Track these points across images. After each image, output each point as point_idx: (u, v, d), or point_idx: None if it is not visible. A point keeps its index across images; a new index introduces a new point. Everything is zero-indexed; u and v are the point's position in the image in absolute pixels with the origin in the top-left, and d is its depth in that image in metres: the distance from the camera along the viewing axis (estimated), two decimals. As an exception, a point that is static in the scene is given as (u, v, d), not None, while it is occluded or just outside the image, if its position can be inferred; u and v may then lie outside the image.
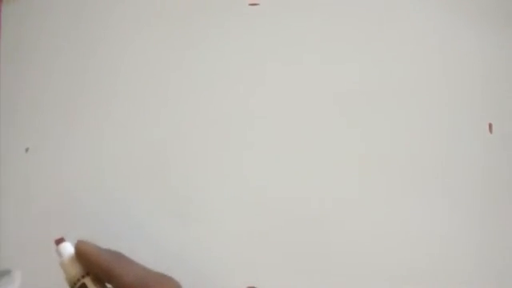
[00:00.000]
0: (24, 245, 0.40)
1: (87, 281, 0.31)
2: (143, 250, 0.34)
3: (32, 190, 0.41)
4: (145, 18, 0.42)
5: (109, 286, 0.31)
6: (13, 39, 0.44)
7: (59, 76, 0.42)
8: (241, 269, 0.37)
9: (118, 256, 0.31)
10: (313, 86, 0.40)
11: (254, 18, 0.41)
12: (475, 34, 0.40)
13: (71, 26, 0.43)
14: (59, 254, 0.32)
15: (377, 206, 0.38)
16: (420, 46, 0.40)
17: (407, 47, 0.40)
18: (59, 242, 0.32)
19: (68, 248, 0.32)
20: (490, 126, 0.38)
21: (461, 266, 0.37)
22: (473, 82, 0.39)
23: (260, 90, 0.40)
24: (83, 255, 0.31)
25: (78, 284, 0.31)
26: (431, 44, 0.40)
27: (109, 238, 0.33)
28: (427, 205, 0.38)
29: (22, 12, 0.45)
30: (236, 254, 0.38)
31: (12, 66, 0.44)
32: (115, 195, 0.40)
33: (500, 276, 0.36)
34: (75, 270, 0.31)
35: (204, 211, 0.38)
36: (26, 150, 0.42)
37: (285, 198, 0.38)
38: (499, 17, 0.40)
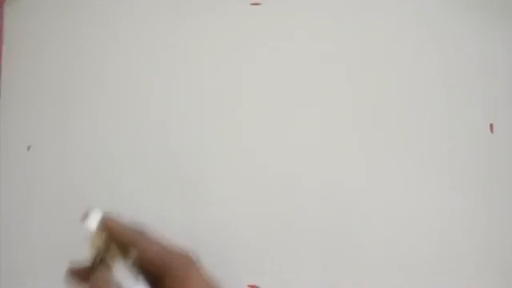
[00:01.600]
0: (25, 243, 0.40)
1: (110, 251, 0.31)
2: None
3: (34, 188, 0.41)
4: (145, 18, 0.42)
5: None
6: (15, 38, 0.44)
7: (60, 74, 0.42)
8: (243, 266, 0.37)
9: (142, 231, 0.32)
10: (313, 86, 0.40)
11: (255, 18, 0.41)
12: (476, 34, 0.40)
13: (72, 25, 0.44)
14: (85, 225, 0.32)
15: (374, 208, 0.38)
16: (420, 47, 0.40)
17: (407, 48, 0.40)
18: (86, 215, 0.32)
19: (94, 219, 0.33)
20: (491, 126, 0.38)
21: (461, 262, 0.37)
22: (474, 83, 0.39)
23: (259, 88, 0.41)
24: (108, 227, 0.32)
25: (101, 255, 0.31)
26: (432, 44, 0.40)
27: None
28: (429, 203, 0.38)
29: (24, 12, 0.45)
30: (239, 250, 0.38)
31: (14, 64, 0.44)
32: (118, 190, 0.40)
33: (498, 269, 0.37)
34: (99, 241, 0.32)
35: (208, 198, 0.38)
36: (28, 148, 0.42)
37: (287, 185, 0.39)
38: (500, 17, 0.40)
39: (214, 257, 0.36)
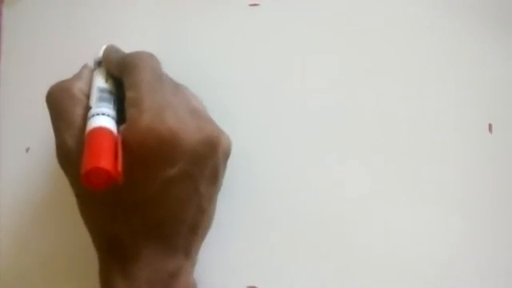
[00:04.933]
0: (24, 244, 0.40)
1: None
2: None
3: (32, 190, 0.41)
4: (144, 19, 0.43)
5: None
6: (14, 40, 0.44)
7: (60, 76, 0.42)
8: (241, 267, 0.37)
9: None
10: (314, 88, 0.40)
11: (254, 19, 0.41)
12: (475, 33, 0.40)
13: (72, 26, 0.44)
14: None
15: (373, 208, 0.38)
16: (418, 46, 0.40)
17: (406, 47, 0.40)
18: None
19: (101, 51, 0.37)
20: (490, 126, 0.38)
21: (461, 265, 0.37)
22: (472, 82, 0.39)
23: (260, 91, 0.41)
24: (104, 53, 0.37)
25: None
26: (430, 44, 0.40)
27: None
28: (424, 205, 0.38)
29: (23, 13, 0.45)
30: (237, 251, 0.38)
31: (13, 66, 0.44)
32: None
33: (502, 275, 0.36)
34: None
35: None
36: (27, 149, 0.42)
37: (287, 186, 0.38)
38: (499, 17, 0.40)
39: (213, 257, 0.36)
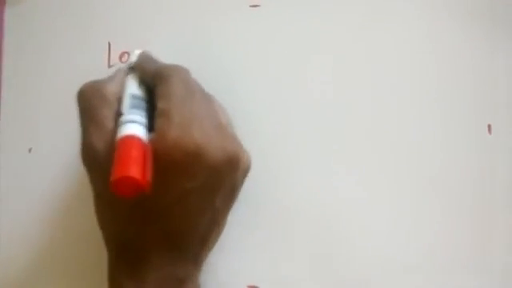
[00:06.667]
0: (26, 246, 0.41)
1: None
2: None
3: (34, 191, 0.41)
4: (145, 20, 0.43)
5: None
6: (16, 40, 0.45)
7: (62, 77, 0.43)
8: (241, 267, 0.38)
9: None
10: (314, 89, 0.40)
11: (255, 20, 0.41)
12: (474, 33, 0.40)
13: (75, 27, 0.44)
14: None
15: (374, 210, 0.38)
16: (417, 46, 0.40)
17: (404, 47, 0.40)
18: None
19: (135, 55, 0.37)
20: (489, 126, 0.38)
21: (463, 265, 0.37)
22: (472, 82, 0.39)
23: (259, 91, 0.41)
24: (139, 59, 0.37)
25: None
26: (428, 44, 0.40)
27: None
28: (423, 206, 0.38)
29: (25, 14, 0.45)
30: (237, 251, 0.38)
31: (15, 66, 0.44)
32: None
33: (500, 275, 0.37)
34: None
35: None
36: (29, 150, 0.42)
37: (286, 192, 0.39)
38: (499, 18, 0.40)
39: (214, 257, 0.36)
